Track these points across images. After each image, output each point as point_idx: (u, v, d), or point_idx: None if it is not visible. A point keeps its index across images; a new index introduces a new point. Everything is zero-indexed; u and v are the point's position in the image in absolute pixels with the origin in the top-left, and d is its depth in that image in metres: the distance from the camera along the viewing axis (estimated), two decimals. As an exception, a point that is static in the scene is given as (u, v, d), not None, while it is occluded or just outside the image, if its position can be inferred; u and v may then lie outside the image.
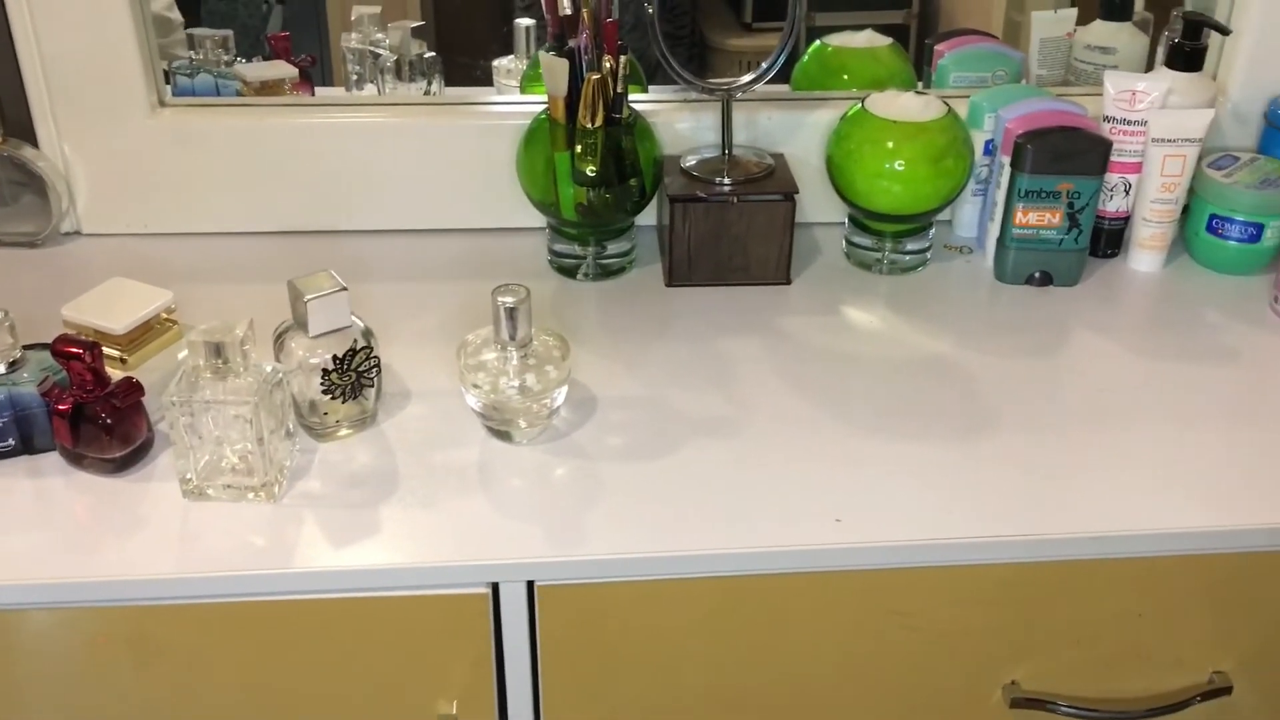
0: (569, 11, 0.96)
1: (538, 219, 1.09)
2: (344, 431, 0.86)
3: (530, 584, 0.78)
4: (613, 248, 1.07)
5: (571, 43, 0.97)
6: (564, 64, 0.96)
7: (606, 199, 1.02)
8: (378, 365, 0.85)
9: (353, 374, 0.83)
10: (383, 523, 0.78)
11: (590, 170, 0.99)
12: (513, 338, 0.83)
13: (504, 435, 0.85)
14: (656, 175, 1.05)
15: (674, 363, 0.95)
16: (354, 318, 0.84)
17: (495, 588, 0.78)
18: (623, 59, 0.97)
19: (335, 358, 0.82)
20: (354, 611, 0.78)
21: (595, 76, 0.96)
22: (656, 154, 1.05)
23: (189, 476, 0.79)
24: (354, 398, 0.84)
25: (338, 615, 0.78)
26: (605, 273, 1.07)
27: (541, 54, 0.99)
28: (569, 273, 1.07)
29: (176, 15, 1.14)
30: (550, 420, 0.86)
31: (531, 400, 0.83)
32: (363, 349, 0.83)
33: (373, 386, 0.85)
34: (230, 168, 1.10)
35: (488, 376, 0.84)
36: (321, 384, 0.82)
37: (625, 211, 1.05)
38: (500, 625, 0.80)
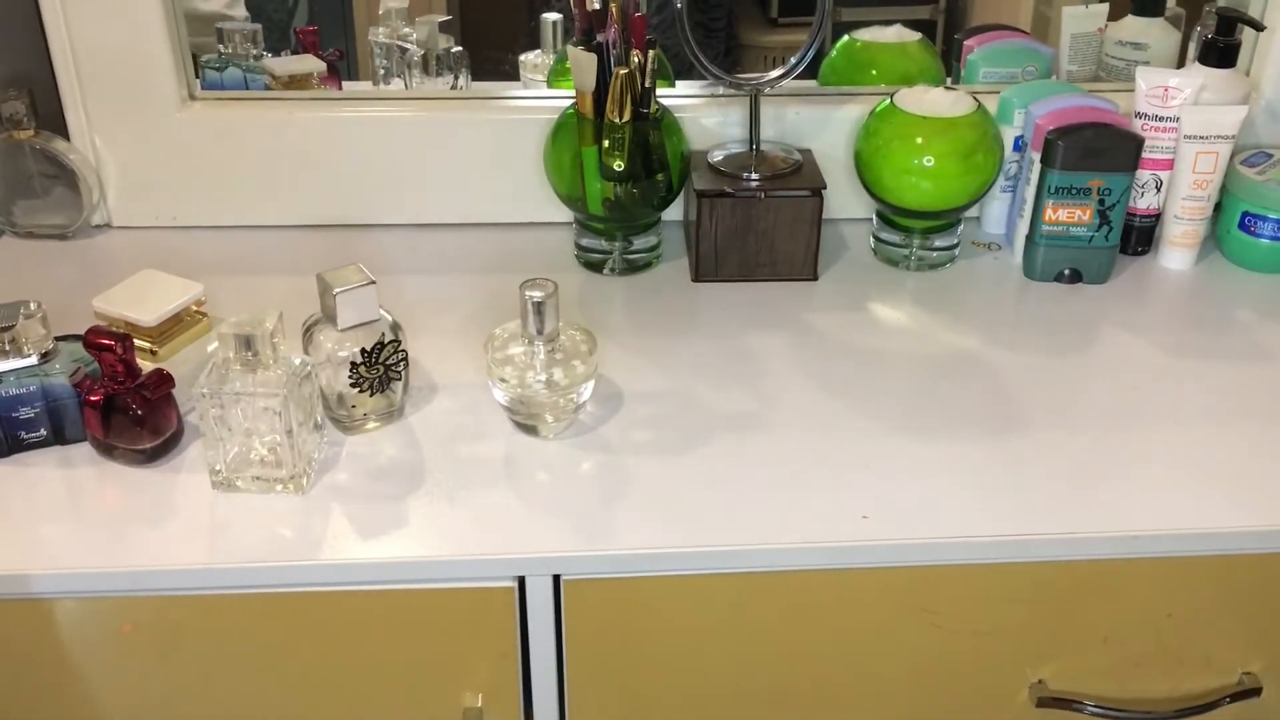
0: (597, 6, 0.96)
1: (565, 214, 1.09)
2: (371, 424, 0.86)
3: (556, 578, 0.78)
4: (639, 242, 1.07)
5: (599, 38, 0.97)
6: (592, 59, 0.96)
7: (634, 194, 1.02)
8: (405, 359, 0.85)
9: (380, 367, 0.83)
10: (409, 516, 0.78)
11: (618, 165, 0.99)
12: (540, 332, 0.83)
13: (530, 429, 0.86)
14: (683, 170, 1.05)
15: (700, 358, 0.95)
16: (382, 311, 0.84)
17: (521, 581, 0.78)
18: (650, 54, 0.97)
19: (363, 351, 0.82)
20: (380, 604, 0.78)
21: (623, 71, 0.96)
22: (684, 149, 1.05)
23: (218, 468, 0.80)
24: (381, 391, 0.84)
25: (364, 608, 0.78)
26: (631, 268, 1.07)
27: (570, 49, 0.99)
28: (595, 267, 1.07)
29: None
30: (577, 415, 0.86)
31: (558, 395, 0.84)
32: (390, 342, 0.84)
33: (400, 380, 0.86)
34: (259, 161, 1.11)
35: (515, 371, 0.84)
36: (350, 377, 0.82)
37: (652, 207, 1.04)
38: (526, 619, 0.80)
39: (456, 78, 1.18)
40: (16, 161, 1.08)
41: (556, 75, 1.16)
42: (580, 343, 0.86)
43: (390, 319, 0.85)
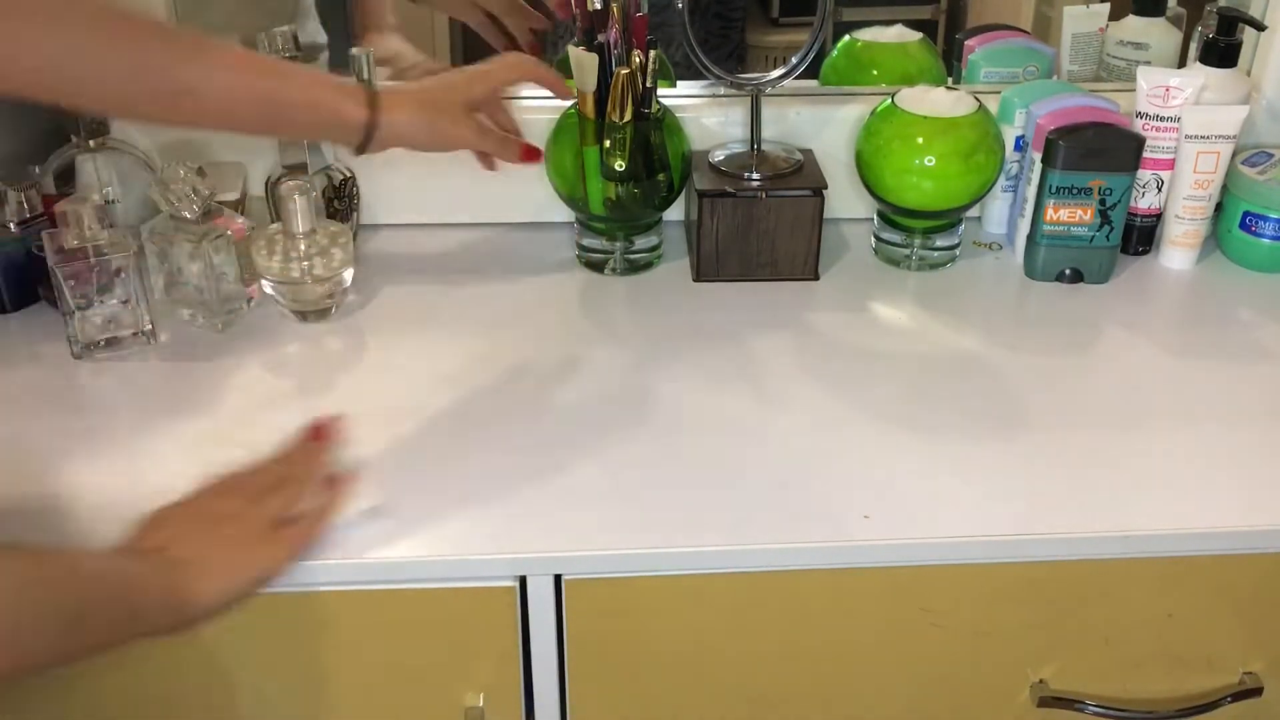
0: (598, 6, 0.96)
1: (565, 214, 1.09)
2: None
3: (558, 578, 0.78)
4: (640, 242, 1.07)
5: (600, 38, 0.97)
6: (593, 59, 0.96)
7: (635, 194, 1.02)
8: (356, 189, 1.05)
9: (346, 200, 1.05)
10: (410, 516, 0.78)
11: (619, 165, 0.99)
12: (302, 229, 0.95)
13: (303, 316, 0.98)
14: (685, 170, 1.05)
15: (702, 358, 0.95)
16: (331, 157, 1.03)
17: (523, 581, 0.78)
18: (652, 54, 0.97)
19: (332, 185, 1.04)
20: (381, 604, 0.78)
21: (624, 71, 0.96)
22: (685, 149, 1.05)
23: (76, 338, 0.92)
24: (347, 219, 1.05)
25: (365, 607, 0.78)
26: (633, 267, 1.07)
27: (571, 49, 0.99)
28: (597, 267, 1.07)
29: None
30: (342, 300, 0.99)
31: (320, 283, 0.96)
32: (347, 179, 1.04)
33: (356, 209, 1.06)
34: (260, 161, 1.11)
35: (280, 262, 0.95)
36: (327, 209, 1.03)
37: (653, 207, 1.05)
38: (527, 618, 0.80)
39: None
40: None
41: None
42: (336, 234, 0.97)
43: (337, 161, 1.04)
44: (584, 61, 0.97)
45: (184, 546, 0.67)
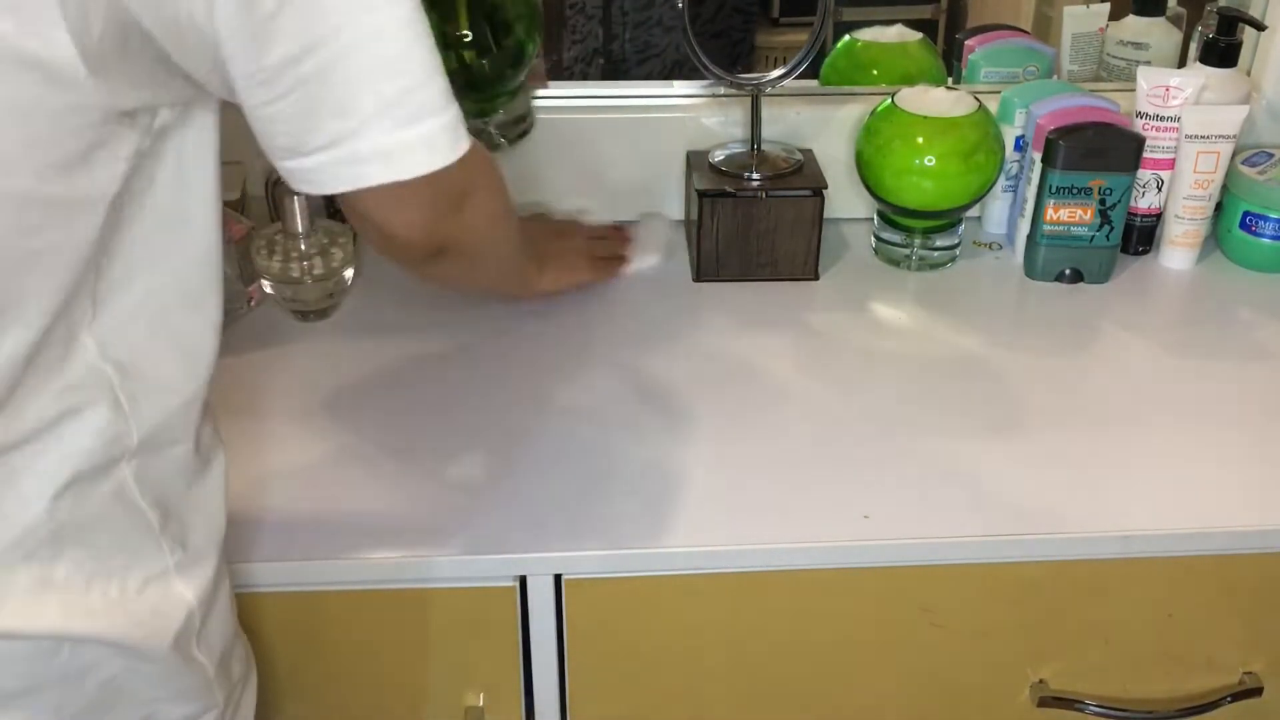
0: None
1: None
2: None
3: (557, 578, 0.78)
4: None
5: None
6: None
7: (483, 65, 0.98)
8: None
9: None
10: (411, 516, 0.78)
11: (459, 32, 0.95)
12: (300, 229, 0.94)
13: (304, 315, 0.98)
14: (529, 27, 0.99)
15: (702, 358, 0.95)
16: None
17: (523, 581, 0.78)
18: None
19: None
20: (381, 604, 0.78)
21: None
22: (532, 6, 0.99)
23: None
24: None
25: (365, 607, 0.78)
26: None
27: None
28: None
29: None
30: (341, 299, 0.98)
31: (321, 282, 0.95)
32: None
33: None
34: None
35: (280, 262, 0.95)
36: (327, 209, 1.00)
37: (502, 76, 1.00)
38: (527, 618, 0.80)
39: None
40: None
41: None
42: (336, 234, 0.96)
43: None
44: None
45: (544, 246, 0.96)
